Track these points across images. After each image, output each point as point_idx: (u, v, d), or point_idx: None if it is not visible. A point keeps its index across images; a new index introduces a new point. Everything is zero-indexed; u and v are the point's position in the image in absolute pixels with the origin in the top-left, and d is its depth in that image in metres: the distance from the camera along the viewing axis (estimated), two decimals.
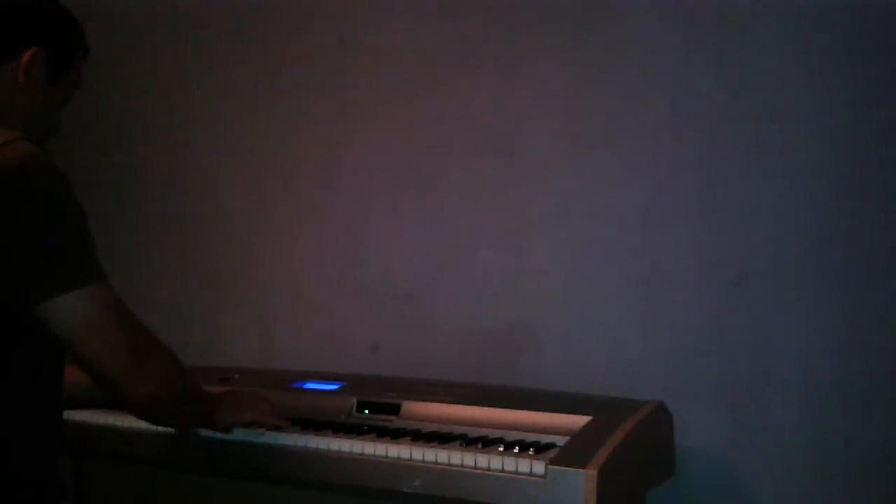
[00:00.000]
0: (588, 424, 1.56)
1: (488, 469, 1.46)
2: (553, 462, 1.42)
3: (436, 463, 1.51)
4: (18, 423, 1.33)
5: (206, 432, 1.64)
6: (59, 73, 1.47)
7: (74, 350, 1.33)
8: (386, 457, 1.56)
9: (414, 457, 1.53)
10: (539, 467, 1.41)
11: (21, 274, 1.27)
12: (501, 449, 1.51)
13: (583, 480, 1.37)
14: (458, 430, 1.66)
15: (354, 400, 1.85)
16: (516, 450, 1.50)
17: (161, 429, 1.69)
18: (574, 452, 1.45)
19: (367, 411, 1.83)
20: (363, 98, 2.36)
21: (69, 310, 1.28)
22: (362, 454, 1.58)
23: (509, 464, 1.44)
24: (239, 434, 1.66)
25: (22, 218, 1.26)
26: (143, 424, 1.66)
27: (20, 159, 1.27)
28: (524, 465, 1.43)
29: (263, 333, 2.48)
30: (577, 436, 1.53)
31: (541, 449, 1.50)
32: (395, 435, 1.65)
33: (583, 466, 1.38)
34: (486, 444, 1.57)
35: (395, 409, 1.80)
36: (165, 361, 1.43)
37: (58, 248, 1.29)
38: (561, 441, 1.52)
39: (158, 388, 1.40)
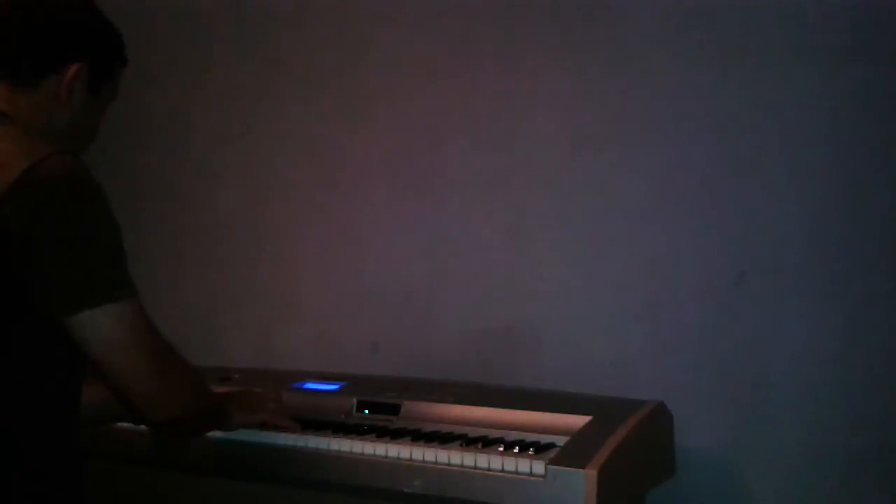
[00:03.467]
0: (588, 424, 1.56)
1: (488, 469, 1.46)
2: (553, 462, 1.42)
3: (436, 463, 1.51)
4: (34, 427, 1.32)
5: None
6: (99, 86, 1.48)
7: (100, 365, 1.32)
8: (386, 457, 1.56)
9: (414, 457, 1.53)
10: (539, 467, 1.41)
11: (53, 285, 1.26)
12: (501, 449, 1.51)
13: (583, 480, 1.37)
14: (458, 430, 1.66)
15: (354, 400, 1.85)
16: (516, 450, 1.50)
17: None
18: (574, 452, 1.45)
19: (367, 411, 1.83)
20: (363, 98, 2.36)
21: (97, 325, 1.28)
22: (362, 454, 1.58)
23: (509, 464, 1.44)
24: (239, 434, 1.67)
25: (57, 230, 1.26)
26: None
27: (59, 173, 1.27)
28: (524, 465, 1.43)
29: (263, 333, 2.48)
30: (577, 436, 1.53)
31: (541, 449, 1.50)
32: (395, 435, 1.64)
33: (583, 466, 1.38)
34: (486, 444, 1.57)
35: (395, 409, 1.80)
36: (187, 383, 1.44)
37: (91, 263, 1.28)
38: (561, 441, 1.52)
39: (180, 409, 1.40)
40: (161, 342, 1.37)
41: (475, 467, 1.47)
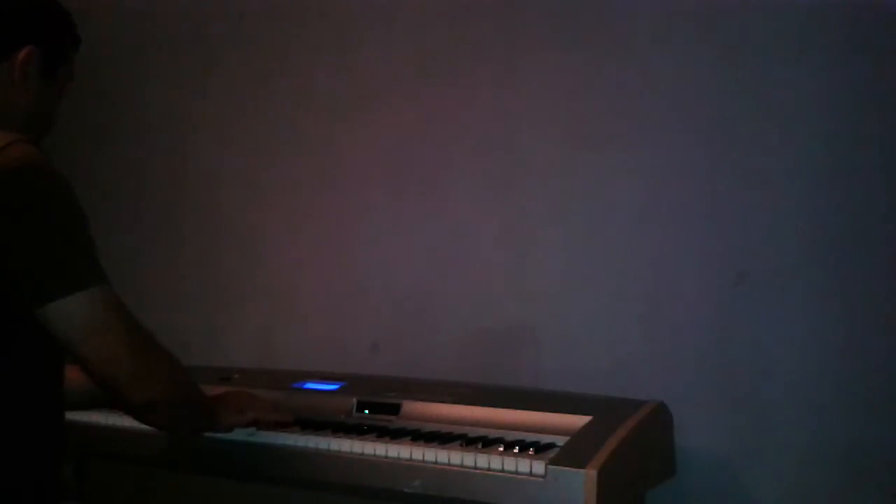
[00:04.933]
0: (588, 424, 1.56)
1: (488, 469, 1.46)
2: (553, 462, 1.42)
3: (436, 463, 1.51)
4: (19, 424, 1.32)
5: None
6: (54, 69, 1.46)
7: (76, 353, 1.32)
8: (386, 457, 1.56)
9: (414, 457, 1.53)
10: (539, 467, 1.41)
11: (21, 277, 1.26)
12: (501, 449, 1.51)
13: (583, 480, 1.37)
14: (458, 430, 1.66)
15: (354, 400, 1.85)
16: (516, 450, 1.50)
17: None
18: (574, 452, 1.45)
19: (367, 411, 1.83)
20: (363, 98, 2.36)
21: (69, 313, 1.27)
22: (362, 454, 1.58)
23: (509, 464, 1.44)
24: (239, 434, 1.67)
25: (22, 221, 1.26)
26: (143, 425, 1.66)
27: (19, 162, 1.26)
28: (524, 465, 1.43)
29: (263, 333, 2.48)
30: (577, 436, 1.53)
31: (541, 449, 1.50)
32: (395, 435, 1.65)
33: (583, 466, 1.38)
34: (486, 444, 1.57)
35: (395, 409, 1.80)
36: (167, 365, 1.43)
37: (58, 252, 1.28)
38: (561, 441, 1.52)
39: (161, 391, 1.40)
40: (137, 326, 1.36)
41: (475, 467, 1.47)
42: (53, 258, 1.27)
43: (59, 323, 1.28)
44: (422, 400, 1.80)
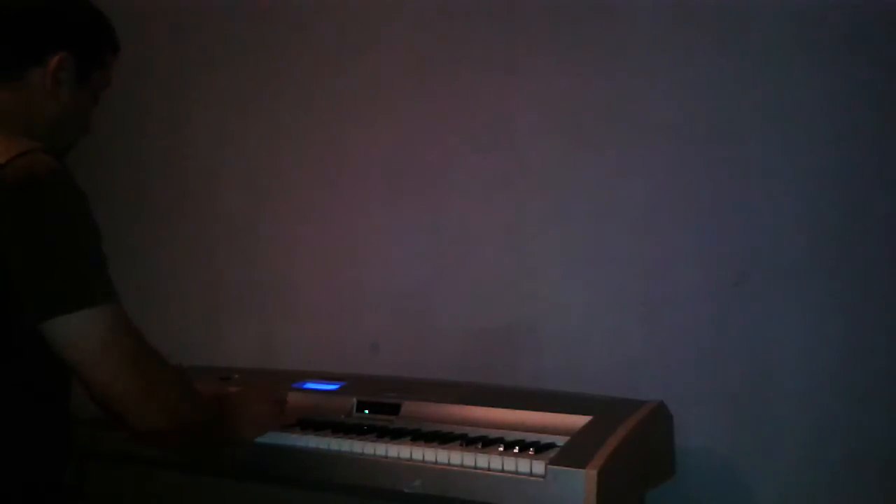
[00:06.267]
0: (588, 424, 1.56)
1: (488, 469, 1.46)
2: (553, 462, 1.42)
3: (436, 463, 1.51)
4: (26, 428, 1.31)
5: None
6: (88, 75, 1.44)
7: (78, 372, 1.28)
8: (386, 457, 1.56)
9: (414, 457, 1.53)
10: (539, 467, 1.41)
11: (26, 291, 1.22)
12: (501, 449, 1.51)
13: (583, 480, 1.37)
14: (458, 430, 1.66)
15: (354, 400, 1.85)
16: (516, 450, 1.50)
17: None
18: (574, 452, 1.45)
19: (367, 411, 1.83)
20: (363, 98, 2.36)
21: (73, 330, 1.24)
22: (362, 454, 1.58)
23: (509, 464, 1.44)
24: None
25: (30, 233, 1.22)
26: None
27: (34, 172, 1.23)
28: (524, 465, 1.43)
29: (263, 333, 2.48)
30: (577, 436, 1.53)
31: (541, 449, 1.50)
32: (395, 435, 1.64)
33: (583, 466, 1.38)
34: (486, 444, 1.57)
35: (395, 409, 1.80)
36: (172, 391, 1.37)
37: (65, 266, 1.24)
38: (561, 441, 1.52)
39: (164, 419, 1.35)
40: (145, 349, 1.32)
41: (475, 467, 1.47)
42: (60, 273, 1.23)
43: (62, 340, 1.24)
44: (422, 400, 1.79)
